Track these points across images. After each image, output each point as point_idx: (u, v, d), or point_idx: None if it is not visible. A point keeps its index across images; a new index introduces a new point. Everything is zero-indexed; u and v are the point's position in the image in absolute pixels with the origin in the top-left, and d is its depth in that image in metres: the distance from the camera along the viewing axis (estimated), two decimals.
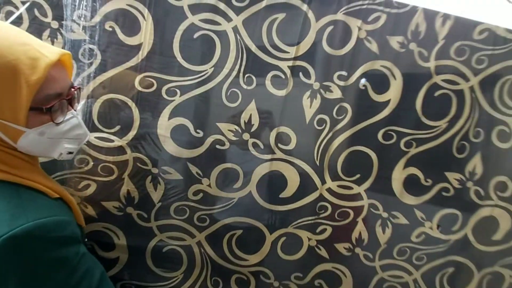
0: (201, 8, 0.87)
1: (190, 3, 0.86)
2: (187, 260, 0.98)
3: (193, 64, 0.89)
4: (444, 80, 0.93)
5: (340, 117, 0.93)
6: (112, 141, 0.91)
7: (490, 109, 0.95)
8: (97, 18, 0.86)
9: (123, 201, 0.94)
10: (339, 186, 0.96)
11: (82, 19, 0.85)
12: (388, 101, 0.93)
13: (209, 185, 0.94)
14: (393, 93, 0.92)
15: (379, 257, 1.01)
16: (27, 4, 0.84)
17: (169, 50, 0.88)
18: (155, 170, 0.93)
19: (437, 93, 0.93)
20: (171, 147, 0.92)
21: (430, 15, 0.91)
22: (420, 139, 0.95)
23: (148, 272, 0.99)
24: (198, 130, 0.92)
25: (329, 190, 0.96)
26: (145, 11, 0.86)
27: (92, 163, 0.92)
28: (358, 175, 0.96)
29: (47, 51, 0.51)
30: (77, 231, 0.55)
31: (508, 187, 0.98)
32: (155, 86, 0.89)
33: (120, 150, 0.92)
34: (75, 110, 0.60)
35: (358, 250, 1.01)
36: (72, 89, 0.58)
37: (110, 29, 0.86)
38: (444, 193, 0.98)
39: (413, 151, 0.96)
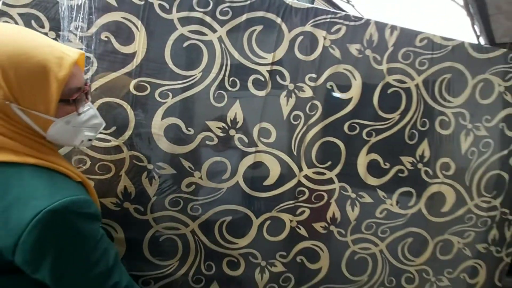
0: (190, 21, 0.98)
1: (180, 16, 0.98)
2: (182, 247, 1.06)
3: (183, 70, 0.99)
4: (395, 80, 1.13)
5: (312, 113, 1.07)
6: (109, 141, 0.99)
7: (432, 103, 1.16)
8: (93, 29, 0.94)
9: (120, 197, 1.00)
10: (314, 172, 1.09)
11: (79, 30, 0.93)
12: (350, 99, 1.09)
13: (200, 177, 1.03)
14: (355, 92, 1.09)
15: (350, 233, 1.16)
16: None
17: (161, 57, 0.98)
18: (150, 166, 1.00)
19: (389, 91, 1.13)
20: (164, 144, 1.00)
21: (380, 27, 1.11)
22: (378, 129, 1.12)
23: (145, 262, 1.05)
24: (189, 128, 1.01)
25: (306, 177, 1.09)
26: (139, 23, 0.96)
27: (89, 162, 0.99)
28: (329, 162, 1.11)
29: (69, 51, 0.59)
30: (98, 211, 0.62)
31: (450, 166, 1.19)
32: (149, 89, 0.99)
33: (117, 149, 0.98)
34: (91, 102, 0.68)
35: (332, 227, 1.15)
36: (86, 85, 0.66)
37: (106, 39, 0.95)
38: (400, 174, 1.17)
39: (373, 139, 1.12)
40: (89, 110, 0.66)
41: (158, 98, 1.00)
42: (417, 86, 1.14)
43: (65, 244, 0.53)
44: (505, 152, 1.19)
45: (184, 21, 0.98)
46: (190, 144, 1.02)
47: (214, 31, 0.99)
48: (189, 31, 0.99)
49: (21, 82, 0.52)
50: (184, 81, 1.00)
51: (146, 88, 0.99)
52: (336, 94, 1.09)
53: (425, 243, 1.24)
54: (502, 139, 1.20)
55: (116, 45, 0.96)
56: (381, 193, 1.17)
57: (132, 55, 0.97)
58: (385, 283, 1.23)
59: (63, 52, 0.57)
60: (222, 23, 0.99)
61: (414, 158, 1.17)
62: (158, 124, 1.00)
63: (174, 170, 1.02)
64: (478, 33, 2.67)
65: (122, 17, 0.95)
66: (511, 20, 2.25)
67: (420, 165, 1.18)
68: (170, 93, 1.00)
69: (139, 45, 0.97)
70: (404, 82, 1.13)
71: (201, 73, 1.00)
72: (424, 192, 1.20)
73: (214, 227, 1.07)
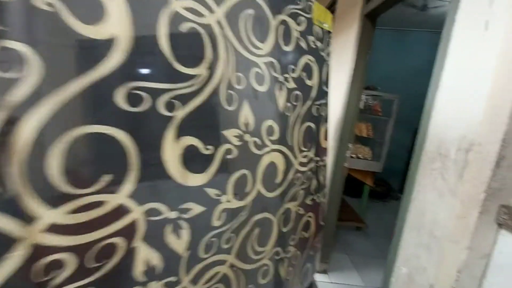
0: None
1: None
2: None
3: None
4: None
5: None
6: None
7: (242, 50, 0.85)
8: None
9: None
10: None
11: None
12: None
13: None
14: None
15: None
16: None
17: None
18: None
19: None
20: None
21: None
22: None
23: None
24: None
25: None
26: None
27: None
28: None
29: None
30: None
31: (274, 129, 0.99)
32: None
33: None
34: None
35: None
36: None
37: None
38: (228, 156, 0.83)
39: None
40: None
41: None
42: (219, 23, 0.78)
43: None
44: (309, 102, 1.14)
45: None
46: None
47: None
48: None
49: None
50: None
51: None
52: None
53: (270, 225, 1.03)
54: (306, 89, 1.13)
55: None
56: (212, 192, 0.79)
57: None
58: None
59: None
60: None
61: (239, 129, 0.85)
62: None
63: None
64: None
65: None
66: None
67: (247, 137, 0.89)
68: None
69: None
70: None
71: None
72: (258, 169, 0.95)
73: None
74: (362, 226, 2.70)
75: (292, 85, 1.04)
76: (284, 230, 1.11)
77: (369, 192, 2.96)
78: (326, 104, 1.25)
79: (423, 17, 3.28)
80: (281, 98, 0.99)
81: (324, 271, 2.14)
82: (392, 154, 2.88)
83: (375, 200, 3.75)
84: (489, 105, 0.75)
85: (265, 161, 0.96)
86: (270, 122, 0.96)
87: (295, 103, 1.06)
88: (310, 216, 1.26)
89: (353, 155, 2.70)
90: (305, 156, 1.15)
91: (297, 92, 1.06)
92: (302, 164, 1.14)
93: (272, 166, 1.00)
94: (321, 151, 1.25)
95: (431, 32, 3.83)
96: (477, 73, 0.80)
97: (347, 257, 2.41)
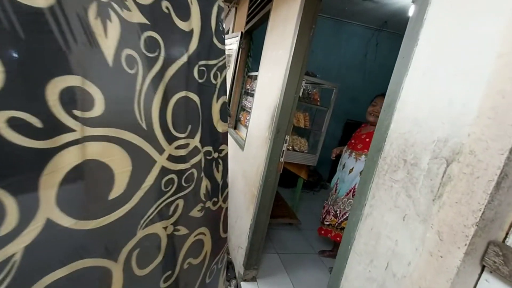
0: None
1: None
2: None
3: None
4: None
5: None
6: None
7: None
8: None
9: None
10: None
11: None
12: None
13: None
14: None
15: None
16: None
17: None
18: None
19: None
20: None
21: None
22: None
23: None
24: None
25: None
26: None
27: None
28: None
29: None
30: None
31: (91, 98, 0.59)
32: None
33: None
34: None
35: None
36: None
37: None
38: None
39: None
40: None
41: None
42: None
43: None
44: (185, 59, 0.76)
45: None
46: None
47: None
48: None
49: None
50: None
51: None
52: None
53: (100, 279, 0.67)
54: (176, 34, 0.76)
55: None
56: None
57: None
58: None
59: None
60: None
61: None
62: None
63: None
64: None
65: None
66: None
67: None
68: None
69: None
70: None
71: None
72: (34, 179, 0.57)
73: None
74: (294, 222, 2.55)
75: (136, 15, 0.63)
76: (141, 273, 0.75)
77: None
78: (222, 68, 0.87)
79: (362, 8, 3.23)
80: (108, 40, 0.59)
81: (253, 279, 1.89)
82: (324, 144, 2.82)
83: (305, 190, 3.72)
84: (490, 93, 0.50)
85: (66, 161, 0.56)
86: (74, 81, 0.55)
87: (149, 54, 0.66)
88: (202, 233, 0.92)
89: (289, 148, 2.50)
90: (181, 146, 0.78)
91: (152, 34, 0.67)
92: (175, 158, 0.77)
93: (91, 169, 0.61)
94: (215, 138, 0.89)
95: (367, 28, 3.88)
96: (471, 43, 0.55)
97: (278, 258, 2.22)
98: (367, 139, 1.95)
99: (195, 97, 0.79)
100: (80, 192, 0.59)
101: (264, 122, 1.78)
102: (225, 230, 1.02)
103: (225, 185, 0.96)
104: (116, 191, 0.64)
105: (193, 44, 0.76)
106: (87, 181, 0.60)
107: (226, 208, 0.99)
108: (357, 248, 0.79)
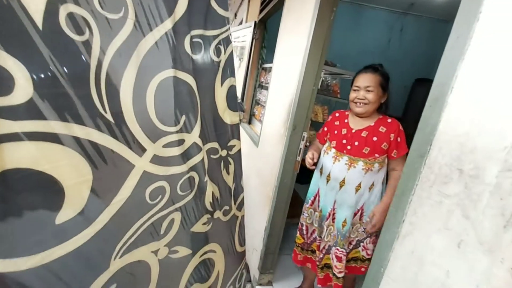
0: None
1: None
2: None
3: None
4: None
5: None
6: None
7: None
8: None
9: None
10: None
11: None
12: None
13: None
14: None
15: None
16: None
17: None
18: None
19: None
20: None
21: None
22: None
23: None
24: None
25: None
26: None
27: None
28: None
29: None
30: None
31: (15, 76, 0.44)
32: None
33: None
34: None
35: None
36: None
37: None
38: None
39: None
40: None
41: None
42: None
43: None
44: (168, 25, 0.57)
45: None
46: None
47: None
48: None
49: None
50: None
51: None
52: None
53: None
54: None
55: None
56: None
57: None
58: None
59: None
60: None
61: None
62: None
63: None
64: None
65: None
66: None
67: None
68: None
69: None
70: None
71: None
72: None
73: None
74: None
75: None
76: None
77: None
78: (226, 42, 0.66)
79: None
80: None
81: (268, 283, 1.80)
82: None
83: None
84: None
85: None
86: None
87: (110, 15, 0.49)
88: (211, 251, 0.76)
89: (307, 144, 2.35)
90: (171, 144, 0.60)
91: None
92: (163, 160, 0.60)
93: (18, 182, 0.44)
94: (222, 131, 0.70)
95: (390, 12, 3.59)
96: None
97: None
98: (375, 138, 1.27)
99: (188, 78, 0.59)
100: (2, 218, 0.42)
101: (279, 117, 1.64)
102: (242, 243, 0.89)
103: (239, 189, 0.80)
104: (68, 211, 0.47)
105: (181, 6, 0.56)
106: (12, 202, 0.43)
107: (243, 217, 0.84)
108: (392, 272, 0.66)
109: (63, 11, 0.43)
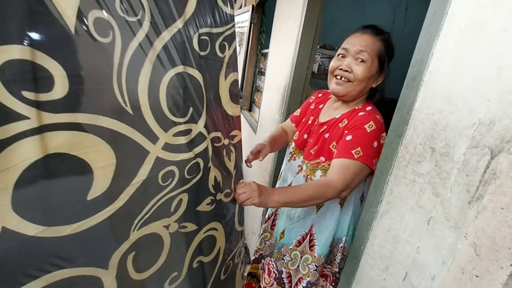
0: None
1: None
2: None
3: None
4: None
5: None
6: None
7: None
8: None
9: None
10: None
11: None
12: None
13: None
14: None
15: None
16: None
17: None
18: None
19: None
20: None
21: None
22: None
23: None
24: None
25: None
26: None
27: None
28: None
29: None
30: None
31: (47, 73, 0.49)
32: None
33: None
34: None
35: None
36: None
37: None
38: None
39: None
40: None
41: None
42: None
43: None
44: (180, 25, 0.63)
45: None
46: None
47: None
48: None
49: None
50: None
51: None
52: None
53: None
54: None
55: None
56: None
57: None
58: None
59: None
60: None
61: None
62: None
63: None
64: None
65: None
66: None
67: None
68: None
69: None
70: None
71: None
72: None
73: None
74: None
75: None
76: (140, 277, 0.68)
77: None
78: (230, 38, 0.71)
79: None
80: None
81: None
82: None
83: None
84: None
85: (20, 157, 0.47)
86: (19, 53, 0.44)
87: (129, 18, 0.54)
88: (213, 228, 0.82)
89: None
90: (180, 133, 0.65)
91: None
92: (173, 147, 0.65)
93: (58, 165, 0.51)
94: (225, 122, 0.76)
95: None
96: None
97: None
98: (326, 135, 0.91)
99: (196, 74, 0.66)
100: (46, 194, 0.51)
101: (275, 103, 1.64)
102: (241, 223, 0.94)
103: (239, 174, 0.86)
104: (97, 189, 0.55)
105: (190, 7, 0.62)
106: (54, 180, 0.52)
107: None
108: (371, 250, 0.67)
109: (91, 16, 0.50)
